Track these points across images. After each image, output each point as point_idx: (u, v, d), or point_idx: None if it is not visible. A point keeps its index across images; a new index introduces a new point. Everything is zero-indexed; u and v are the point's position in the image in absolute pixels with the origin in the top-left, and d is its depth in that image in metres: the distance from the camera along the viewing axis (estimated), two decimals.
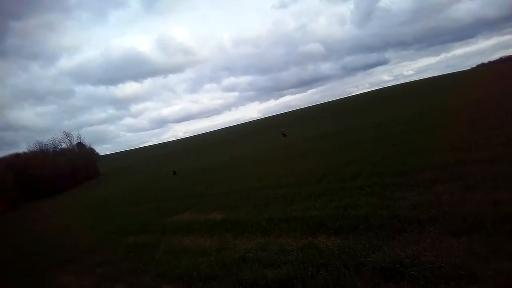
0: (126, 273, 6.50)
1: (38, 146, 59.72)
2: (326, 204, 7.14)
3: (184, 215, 10.42)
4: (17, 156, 55.92)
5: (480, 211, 4.78)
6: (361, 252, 4.55)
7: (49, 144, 62.61)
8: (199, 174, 21.76)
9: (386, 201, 6.32)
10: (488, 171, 6.57)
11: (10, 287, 7.59)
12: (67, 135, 66.14)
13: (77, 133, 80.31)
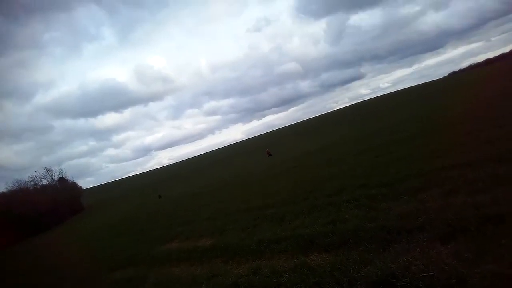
0: None
1: (17, 185, 57.74)
2: (315, 221, 7.12)
3: (173, 243, 10.18)
4: None
5: (464, 215, 4.87)
6: (353, 268, 4.52)
7: (29, 182, 60.65)
8: (186, 200, 21.43)
9: (373, 213, 6.36)
10: (468, 175, 6.75)
11: None
12: (48, 170, 64.34)
13: (58, 168, 78.32)
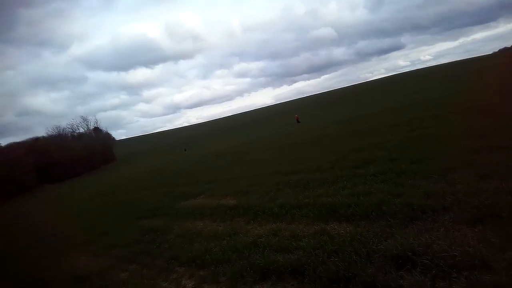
0: (140, 255, 6.68)
1: (56, 131, 61.23)
2: (339, 191, 7.12)
3: (197, 199, 10.58)
4: (36, 140, 57.49)
5: (495, 200, 4.69)
6: (373, 240, 4.54)
7: (67, 129, 64.12)
8: (212, 159, 21.94)
9: (399, 189, 6.26)
10: (504, 159, 6.42)
11: (30, 268, 7.88)
12: (85, 119, 67.55)
13: (94, 117, 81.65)
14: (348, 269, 3.97)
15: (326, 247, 4.69)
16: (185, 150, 25.28)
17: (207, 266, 5.31)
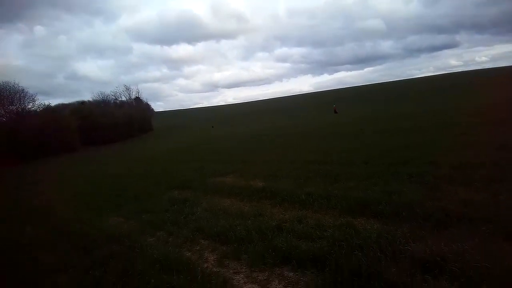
0: (168, 223, 6.92)
1: (101, 96, 64.30)
2: (370, 187, 6.95)
3: (227, 178, 10.75)
4: (82, 103, 60.76)
5: None
6: (400, 240, 4.40)
7: (110, 96, 67.11)
8: (246, 141, 22.11)
9: (436, 193, 6.00)
10: None
11: (63, 222, 8.41)
12: (127, 88, 70.37)
13: (136, 87, 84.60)
14: (371, 265, 3.89)
15: (350, 240, 4.62)
16: (212, 127, 25.79)
17: (230, 242, 5.41)
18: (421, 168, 7.73)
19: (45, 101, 60.77)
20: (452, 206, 5.21)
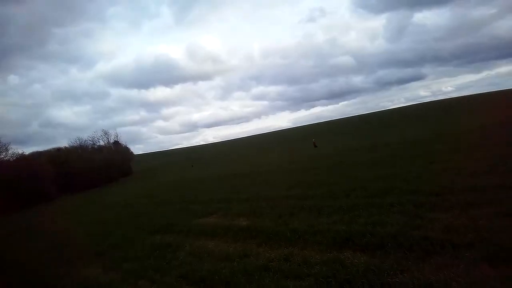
0: (150, 270, 6.64)
1: (78, 142, 63.12)
2: (354, 219, 6.97)
3: (210, 218, 10.53)
4: (58, 150, 59.29)
5: None
6: (388, 272, 4.39)
7: (88, 141, 66.01)
8: (227, 179, 21.95)
9: (418, 221, 6.08)
10: None
11: (41, 276, 7.93)
12: (105, 133, 69.58)
13: (114, 131, 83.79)
14: None
15: (338, 276, 4.56)
16: (192, 166, 25.66)
17: (215, 287, 5.22)
18: (401, 198, 7.85)
19: (19, 150, 58.93)
20: (434, 234, 5.28)
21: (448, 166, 10.70)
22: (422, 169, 11.11)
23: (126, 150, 75.42)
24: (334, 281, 4.42)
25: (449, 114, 50.42)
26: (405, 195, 8.10)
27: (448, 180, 8.69)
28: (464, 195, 7.11)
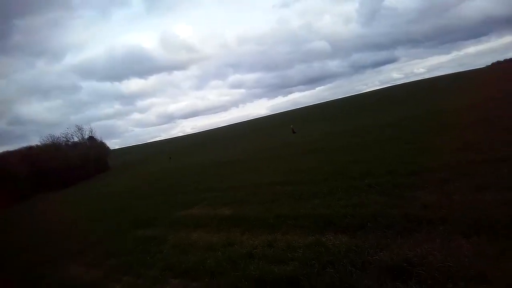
0: (134, 265, 6.58)
1: (50, 139, 60.79)
2: (335, 202, 7.12)
3: (192, 209, 10.49)
4: (30, 149, 56.99)
5: (491, 211, 4.72)
6: (368, 251, 4.53)
7: (61, 138, 63.68)
8: (207, 169, 21.86)
9: (395, 201, 6.28)
10: (501, 171, 6.47)
11: (21, 277, 7.73)
12: (79, 128, 67.17)
13: (88, 126, 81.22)
14: (343, 280, 3.95)
15: (321, 258, 4.67)
16: (170, 158, 25.31)
17: (201, 277, 5.24)
18: (379, 179, 8.07)
19: None
20: (412, 211, 5.47)
21: (423, 146, 11.05)
22: (399, 150, 11.43)
23: (102, 145, 73.34)
24: (317, 263, 4.52)
25: (421, 96, 51.87)
26: (383, 176, 8.32)
27: (423, 159, 8.99)
28: (439, 173, 7.38)
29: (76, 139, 66.27)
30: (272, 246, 5.68)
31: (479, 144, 9.28)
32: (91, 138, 69.71)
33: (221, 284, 4.80)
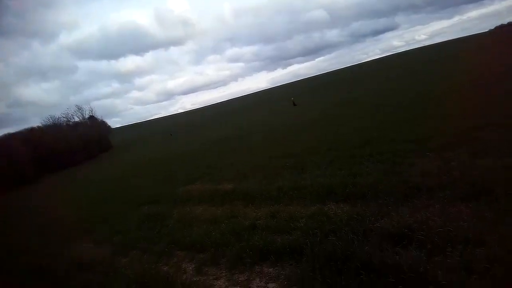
0: (141, 241, 6.73)
1: (51, 120, 60.59)
2: (336, 172, 7.19)
3: (195, 185, 10.59)
4: (31, 130, 56.90)
5: (490, 176, 4.76)
6: (369, 218, 4.62)
7: (62, 118, 63.45)
8: (210, 145, 21.90)
9: (396, 168, 6.35)
10: (500, 136, 6.48)
11: (34, 257, 7.90)
12: (79, 108, 66.75)
13: (89, 106, 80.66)
14: (345, 248, 4.03)
15: (323, 227, 4.76)
16: (171, 135, 25.25)
17: (206, 249, 5.36)
18: (380, 147, 8.11)
19: None
20: (412, 178, 5.54)
21: (423, 114, 11.01)
22: (400, 118, 11.38)
23: (103, 124, 73.17)
24: (319, 232, 4.61)
25: (423, 63, 51.00)
26: (384, 144, 8.35)
27: (424, 127, 8.98)
28: (438, 140, 7.40)
29: (77, 119, 66.06)
30: (275, 217, 5.79)
31: (479, 110, 9.25)
32: (92, 118, 69.44)
33: (226, 255, 4.93)
